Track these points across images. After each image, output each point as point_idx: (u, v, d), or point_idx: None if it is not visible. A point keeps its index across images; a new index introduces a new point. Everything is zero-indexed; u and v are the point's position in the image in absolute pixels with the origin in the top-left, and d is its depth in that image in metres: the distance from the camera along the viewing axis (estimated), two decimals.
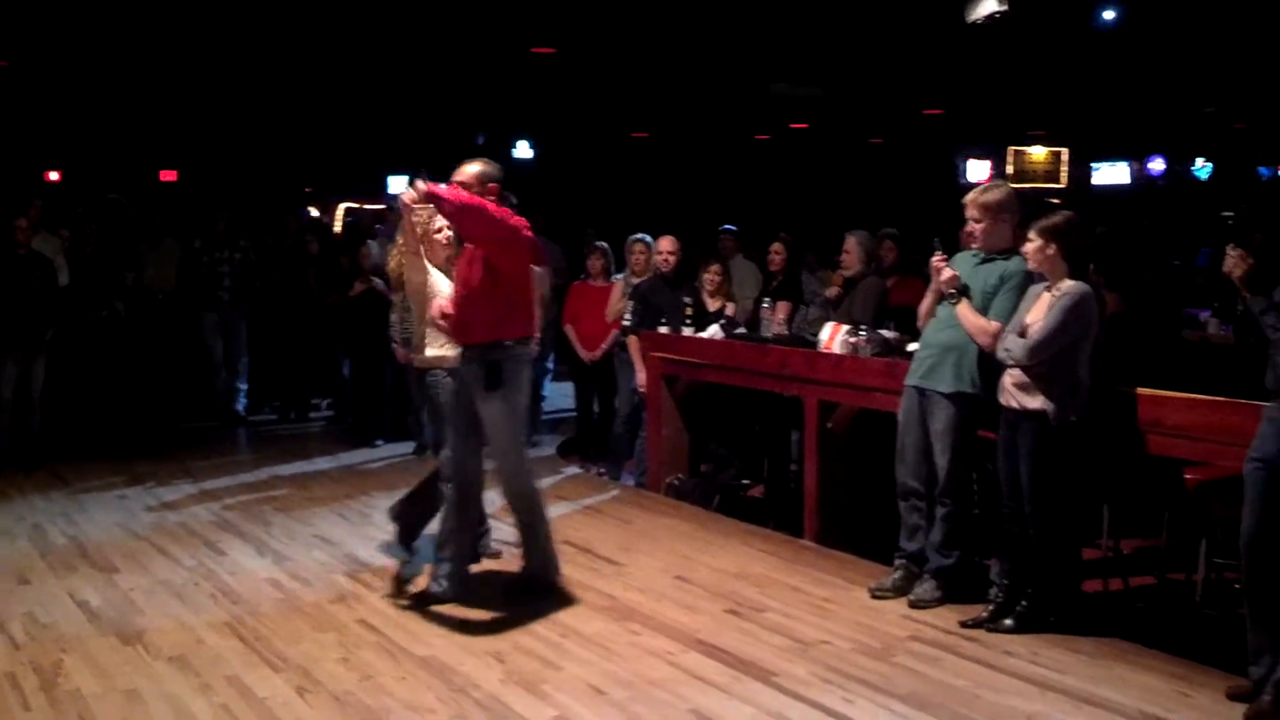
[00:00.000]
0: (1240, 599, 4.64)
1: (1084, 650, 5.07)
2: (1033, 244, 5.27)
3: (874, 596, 5.81)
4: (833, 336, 6.77)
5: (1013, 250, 5.59)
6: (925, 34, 12.81)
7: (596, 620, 5.50)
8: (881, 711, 4.46)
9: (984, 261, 5.65)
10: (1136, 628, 5.35)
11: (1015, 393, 5.24)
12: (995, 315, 5.49)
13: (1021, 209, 5.74)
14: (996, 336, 5.38)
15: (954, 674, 4.85)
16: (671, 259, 8.30)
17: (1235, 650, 4.67)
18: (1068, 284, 5.20)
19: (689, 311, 8.04)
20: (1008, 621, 5.30)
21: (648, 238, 8.69)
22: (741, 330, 8.11)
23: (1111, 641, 5.18)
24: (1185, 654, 5.03)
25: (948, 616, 5.49)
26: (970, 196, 5.71)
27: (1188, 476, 5.37)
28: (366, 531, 7.08)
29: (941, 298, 5.69)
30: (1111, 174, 22.41)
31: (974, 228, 5.66)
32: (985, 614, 5.39)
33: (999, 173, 21.15)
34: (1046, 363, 5.14)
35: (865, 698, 4.58)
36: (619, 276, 8.94)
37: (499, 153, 20.00)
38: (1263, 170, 21.22)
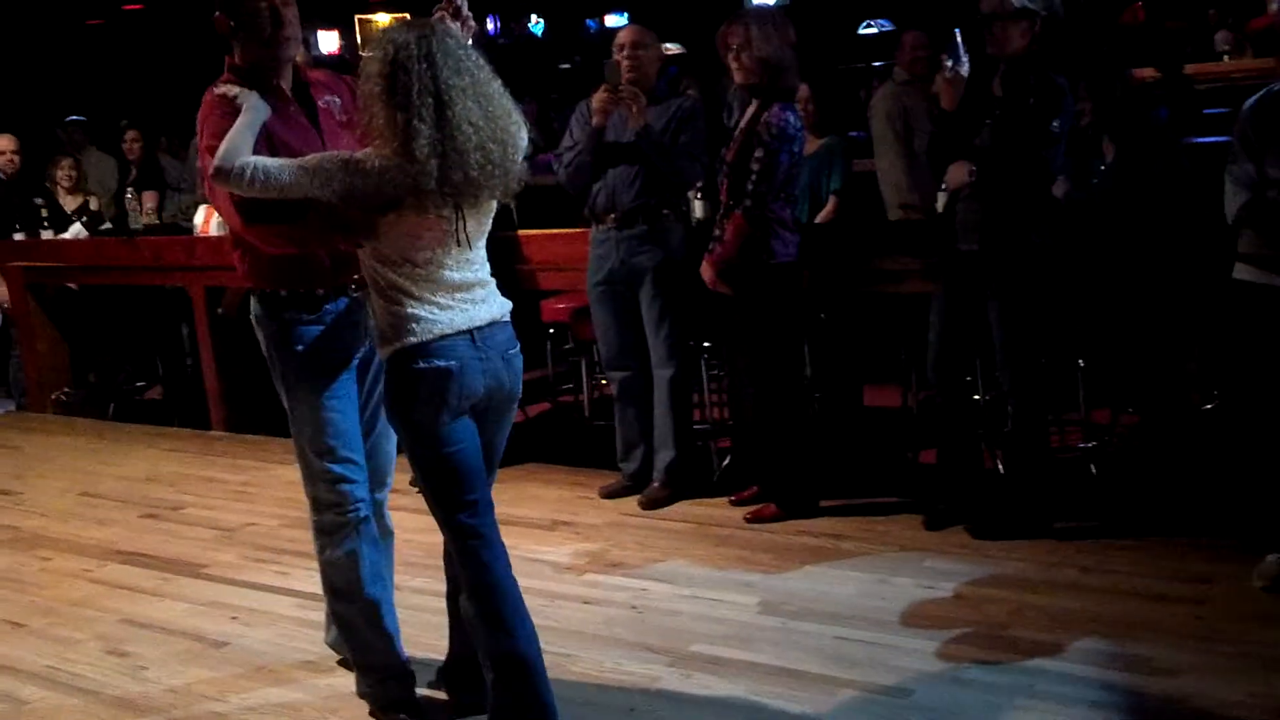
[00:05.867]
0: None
1: (502, 479, 5.41)
2: None
3: None
4: (208, 220, 6.60)
5: None
6: None
7: (1, 556, 5.12)
8: (317, 575, 4.56)
9: None
10: (541, 450, 5.86)
11: None
12: None
13: None
14: None
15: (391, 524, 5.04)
16: (17, 159, 7.66)
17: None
18: None
19: (44, 213, 7.52)
20: None
21: None
22: (108, 226, 7.71)
23: (523, 467, 5.63)
24: (582, 463, 5.61)
25: None
26: None
27: (558, 306, 5.89)
28: None
29: None
30: None
31: None
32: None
33: (349, 42, 21.14)
34: None
35: (300, 566, 4.64)
36: None
37: None
38: (589, 23, 22.84)
